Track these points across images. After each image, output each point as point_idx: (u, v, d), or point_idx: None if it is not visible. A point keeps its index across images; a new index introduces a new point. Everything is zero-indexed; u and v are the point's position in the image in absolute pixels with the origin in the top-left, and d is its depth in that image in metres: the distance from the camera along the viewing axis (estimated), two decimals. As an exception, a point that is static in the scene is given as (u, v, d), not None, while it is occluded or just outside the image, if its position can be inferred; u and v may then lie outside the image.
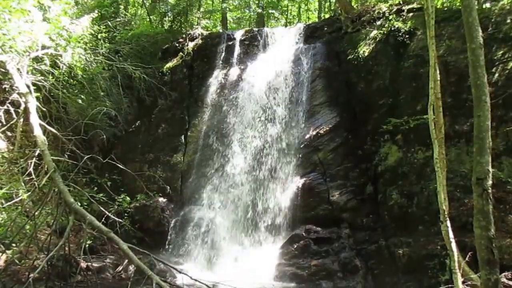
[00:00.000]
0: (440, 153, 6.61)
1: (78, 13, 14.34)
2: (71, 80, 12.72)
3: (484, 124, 4.06)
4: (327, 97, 12.64)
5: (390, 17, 11.71)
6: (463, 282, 5.93)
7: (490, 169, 4.04)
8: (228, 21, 23.60)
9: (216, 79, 14.62)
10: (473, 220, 4.10)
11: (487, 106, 4.10)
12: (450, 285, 6.21)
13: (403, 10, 11.68)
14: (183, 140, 14.07)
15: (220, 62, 15.02)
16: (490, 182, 4.00)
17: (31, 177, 8.33)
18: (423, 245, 9.02)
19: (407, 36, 11.05)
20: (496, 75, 9.26)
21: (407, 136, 10.29)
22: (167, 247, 11.95)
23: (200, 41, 15.65)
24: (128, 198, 12.30)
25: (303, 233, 10.59)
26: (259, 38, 14.98)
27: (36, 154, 8.58)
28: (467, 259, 6.46)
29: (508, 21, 9.47)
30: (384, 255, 9.80)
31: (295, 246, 10.41)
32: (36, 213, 8.24)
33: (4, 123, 10.25)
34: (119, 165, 9.50)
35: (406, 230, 9.73)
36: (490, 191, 3.98)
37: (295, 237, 10.60)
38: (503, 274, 6.46)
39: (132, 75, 14.02)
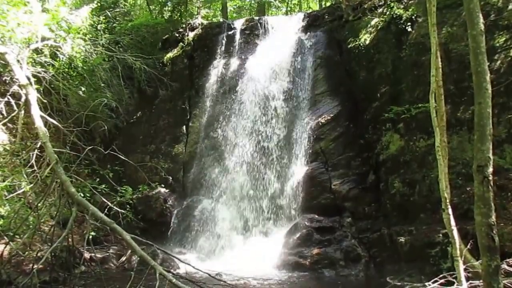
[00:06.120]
0: (442, 141, 6.59)
1: (77, 4, 14.24)
2: (72, 72, 12.70)
3: (485, 111, 4.03)
4: (328, 86, 12.59)
5: (392, 4, 11.59)
6: (465, 270, 5.94)
7: (491, 156, 4.02)
8: (228, 10, 23.44)
9: (216, 69, 14.57)
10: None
11: (488, 93, 4.06)
12: (452, 273, 6.23)
13: (405, -3, 11.57)
14: (185, 130, 14.08)
15: (221, 52, 14.95)
16: (491, 169, 3.98)
17: (33, 169, 8.36)
18: (425, 233, 9.03)
19: (408, 23, 10.94)
20: (498, 62, 9.18)
21: (408, 124, 10.25)
22: (169, 237, 12.03)
23: (200, 31, 15.57)
24: (130, 189, 12.36)
25: (306, 222, 10.62)
26: (259, 27, 14.88)
27: (38, 146, 8.61)
28: (468, 246, 6.47)
29: (510, 7, 9.36)
30: (386, 243, 9.82)
31: (298, 235, 10.44)
32: (39, 204, 8.28)
33: (5, 115, 10.27)
34: (121, 156, 9.51)
35: (408, 218, 9.74)
36: (490, 178, 3.96)
37: (298, 226, 10.64)
38: (505, 261, 6.46)
39: (132, 66, 13.99)
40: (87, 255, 8.77)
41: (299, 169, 11.65)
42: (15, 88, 9.90)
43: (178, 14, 17.59)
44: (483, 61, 4.10)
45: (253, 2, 24.78)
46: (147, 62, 14.25)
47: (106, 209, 8.84)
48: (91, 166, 11.60)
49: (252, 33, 14.89)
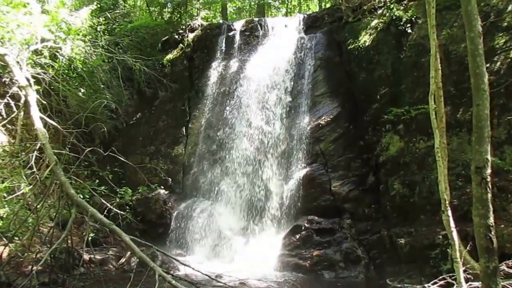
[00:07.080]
0: (441, 142, 6.59)
1: (76, 5, 14.26)
2: (71, 73, 12.70)
3: (483, 113, 4.03)
4: (328, 87, 12.59)
5: (391, 6, 11.58)
6: (464, 271, 5.94)
7: (489, 158, 4.02)
8: (228, 12, 23.46)
9: (216, 70, 14.58)
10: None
11: (486, 95, 4.06)
12: (451, 274, 6.24)
13: (404, -1, 11.56)
14: (184, 131, 14.08)
15: (221, 53, 14.96)
16: (489, 170, 3.98)
17: (33, 170, 8.31)
18: (424, 235, 9.02)
19: (408, 25, 10.94)
20: (498, 63, 9.17)
21: (408, 125, 10.24)
22: (169, 238, 12.02)
23: (200, 32, 15.57)
24: (130, 191, 12.33)
25: (305, 224, 10.61)
26: (259, 28, 14.89)
27: (37, 147, 8.56)
28: (468, 248, 6.47)
29: (510, 8, 9.35)
30: (386, 245, 9.82)
31: (297, 237, 10.45)
32: (38, 206, 8.25)
33: (5, 116, 10.26)
34: (121, 158, 9.49)
35: (408, 220, 9.74)
36: (489, 179, 3.96)
37: (297, 228, 10.63)
38: (504, 262, 6.46)
39: (132, 67, 13.99)
40: (86, 256, 8.74)
41: (299, 171, 11.65)
42: (14, 89, 9.88)
43: (178, 15, 17.56)
44: (481, 63, 4.10)
45: (252, 3, 24.79)
46: (146, 64, 14.26)
47: (106, 211, 8.81)
48: (91, 168, 11.55)
49: (252, 34, 14.90)
